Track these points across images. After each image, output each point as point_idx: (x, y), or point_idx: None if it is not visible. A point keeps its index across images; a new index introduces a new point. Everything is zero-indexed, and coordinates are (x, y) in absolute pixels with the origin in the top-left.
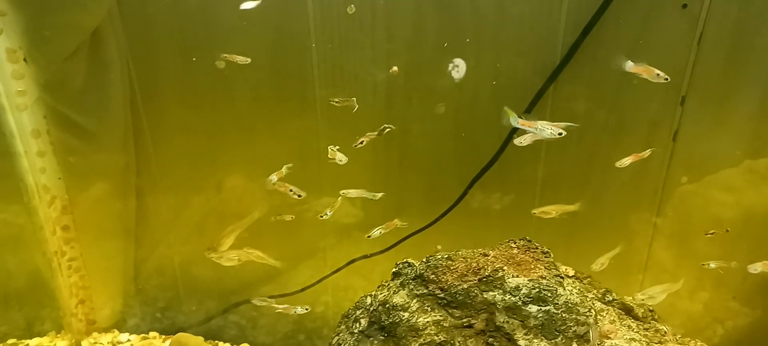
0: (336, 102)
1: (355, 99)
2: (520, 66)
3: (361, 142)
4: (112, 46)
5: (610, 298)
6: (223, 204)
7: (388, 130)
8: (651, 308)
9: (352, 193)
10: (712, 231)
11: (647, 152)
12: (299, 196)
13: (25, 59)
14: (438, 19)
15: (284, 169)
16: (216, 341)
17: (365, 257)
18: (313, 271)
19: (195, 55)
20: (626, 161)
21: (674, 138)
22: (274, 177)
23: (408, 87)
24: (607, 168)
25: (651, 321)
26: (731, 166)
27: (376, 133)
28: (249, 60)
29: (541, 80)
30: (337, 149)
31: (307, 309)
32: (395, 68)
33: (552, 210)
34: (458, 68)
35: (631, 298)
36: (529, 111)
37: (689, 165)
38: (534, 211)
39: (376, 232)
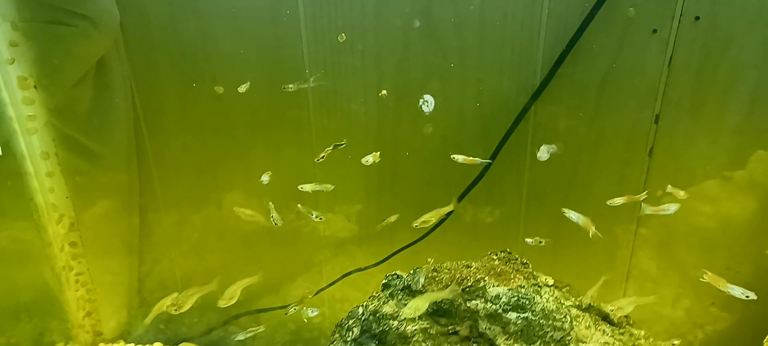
0: (326, 153)
1: (344, 142)
2: (503, 88)
3: (322, 157)
4: (116, 73)
5: (587, 305)
6: (222, 222)
7: (342, 146)
8: (626, 315)
9: (307, 187)
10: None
11: (643, 196)
12: (277, 224)
13: (35, 86)
14: (424, 45)
15: (265, 178)
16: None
17: (359, 270)
18: (310, 284)
19: (195, 80)
20: (618, 201)
21: (650, 154)
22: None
23: (398, 109)
24: (588, 182)
25: (626, 326)
26: (707, 179)
27: (331, 147)
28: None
29: (523, 101)
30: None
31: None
32: (384, 92)
33: (430, 217)
34: (427, 103)
35: (610, 307)
36: (511, 130)
37: (665, 179)
38: (414, 223)
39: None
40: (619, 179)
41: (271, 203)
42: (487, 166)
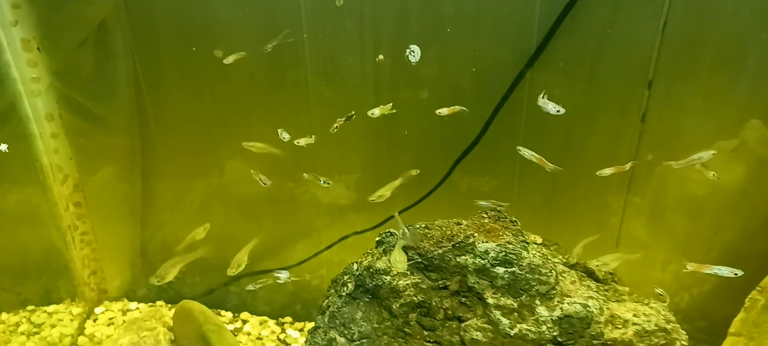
0: (335, 128)
1: (352, 113)
2: (499, 54)
3: (335, 127)
4: (118, 38)
5: (574, 262)
6: (223, 186)
7: (352, 117)
8: (612, 272)
9: (302, 141)
10: None
11: (628, 165)
12: (265, 184)
13: (38, 48)
14: (421, 11)
15: (284, 135)
16: (218, 310)
17: (356, 233)
18: (309, 248)
19: (194, 45)
20: (607, 171)
21: (643, 119)
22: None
23: (394, 74)
24: (581, 148)
25: (611, 283)
26: (699, 145)
27: (343, 119)
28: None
29: (519, 67)
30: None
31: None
32: (381, 56)
33: (386, 191)
34: (414, 53)
35: (595, 262)
36: (507, 96)
37: (657, 144)
38: (370, 198)
39: None
40: (612, 145)
41: (252, 170)
42: (482, 132)
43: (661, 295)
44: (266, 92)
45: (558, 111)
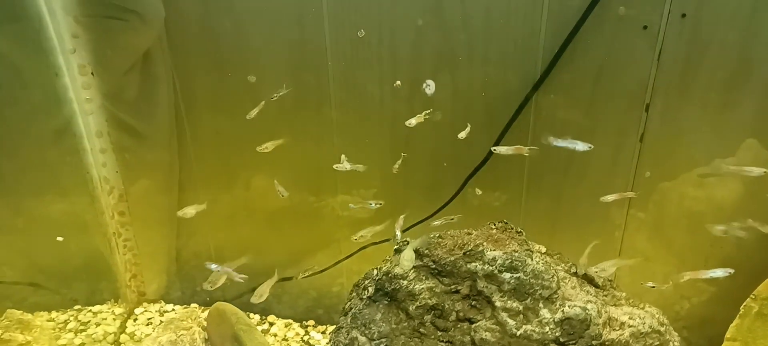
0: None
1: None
2: (507, 79)
3: (411, 123)
4: (160, 64)
5: (575, 269)
6: (249, 200)
7: (429, 114)
8: (610, 279)
9: (342, 167)
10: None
11: (631, 194)
12: (283, 195)
13: (92, 73)
14: (435, 40)
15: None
16: (247, 313)
17: (375, 244)
18: (330, 258)
19: (229, 70)
20: (610, 198)
21: (641, 139)
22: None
23: (410, 98)
24: (584, 166)
25: (610, 289)
26: (695, 164)
27: (423, 116)
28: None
29: (525, 91)
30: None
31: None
32: (398, 82)
33: (368, 233)
34: (429, 86)
35: (594, 269)
36: (514, 118)
37: (655, 163)
38: (353, 237)
39: None
40: (612, 163)
41: (275, 181)
42: (492, 151)
43: (653, 286)
44: (292, 114)
45: (572, 146)
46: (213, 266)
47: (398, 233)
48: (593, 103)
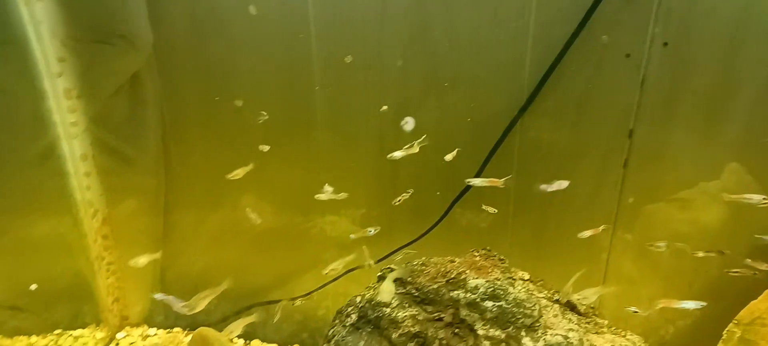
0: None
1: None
2: (492, 104)
3: (398, 201)
4: (148, 88)
5: (557, 297)
6: (236, 222)
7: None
8: (593, 306)
9: (324, 196)
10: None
11: (601, 228)
12: (256, 221)
13: (78, 96)
14: (421, 65)
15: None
16: (231, 337)
17: (361, 267)
18: (316, 280)
19: (217, 95)
20: (586, 234)
21: (625, 165)
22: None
23: (397, 122)
24: (569, 191)
25: (592, 316)
26: (678, 189)
27: (406, 149)
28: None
29: (511, 116)
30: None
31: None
32: (385, 107)
33: (339, 265)
34: (408, 124)
35: (576, 296)
36: (499, 144)
37: (638, 188)
38: (324, 271)
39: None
40: (596, 189)
41: (247, 209)
42: (477, 175)
43: (635, 311)
44: (279, 138)
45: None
46: (158, 296)
47: (369, 261)
48: (578, 129)
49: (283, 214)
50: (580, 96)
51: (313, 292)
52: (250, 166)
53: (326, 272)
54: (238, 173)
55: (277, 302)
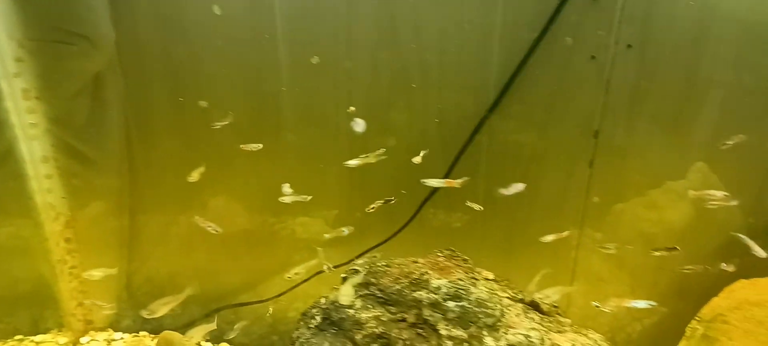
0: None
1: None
2: (460, 105)
3: (372, 208)
4: (111, 88)
5: (521, 296)
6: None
7: (391, 201)
8: (556, 305)
9: (287, 199)
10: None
11: (565, 233)
12: (216, 231)
13: (37, 97)
14: (389, 67)
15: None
16: (198, 342)
17: (331, 269)
18: (287, 282)
19: (182, 95)
20: (549, 238)
21: (591, 165)
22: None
23: (368, 124)
24: (537, 191)
25: (555, 315)
26: (643, 188)
27: (382, 201)
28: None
29: (479, 117)
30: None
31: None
32: (352, 108)
33: (302, 270)
34: (358, 124)
35: (538, 295)
36: (468, 144)
37: (604, 188)
38: (287, 275)
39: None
40: (563, 188)
41: (196, 217)
42: (446, 176)
43: (599, 306)
44: (248, 138)
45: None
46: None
47: (327, 265)
48: (545, 130)
49: (253, 216)
50: (547, 97)
51: (278, 296)
52: (202, 168)
53: (289, 275)
54: (194, 176)
55: (246, 304)
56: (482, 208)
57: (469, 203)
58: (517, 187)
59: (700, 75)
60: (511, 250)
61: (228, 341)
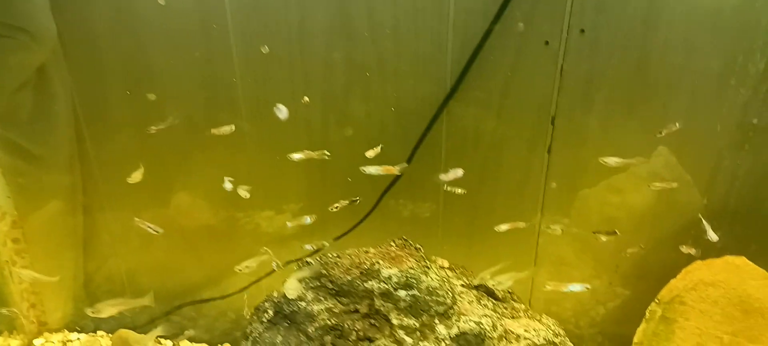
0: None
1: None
2: (418, 93)
3: (336, 207)
4: (56, 81)
5: (476, 283)
6: (164, 219)
7: (356, 201)
8: (510, 291)
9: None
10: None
11: (522, 224)
12: (156, 232)
13: None
14: (344, 56)
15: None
16: (158, 339)
17: (294, 261)
18: (252, 276)
19: (130, 88)
20: (504, 227)
21: (549, 151)
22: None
23: (325, 115)
24: (497, 178)
25: (510, 301)
26: (600, 173)
27: (347, 202)
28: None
29: (436, 105)
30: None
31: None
32: (306, 98)
33: (252, 263)
34: (281, 111)
35: (491, 282)
36: (425, 134)
37: (563, 174)
38: (236, 267)
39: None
40: (523, 176)
41: (136, 218)
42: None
43: (550, 287)
44: (203, 132)
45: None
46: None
47: (275, 262)
48: (503, 117)
49: (215, 210)
50: (504, 84)
51: (246, 288)
52: (142, 169)
53: (239, 268)
54: (135, 177)
55: (209, 300)
56: (465, 191)
57: (449, 188)
58: (456, 172)
59: (652, 60)
60: (473, 238)
61: (189, 339)
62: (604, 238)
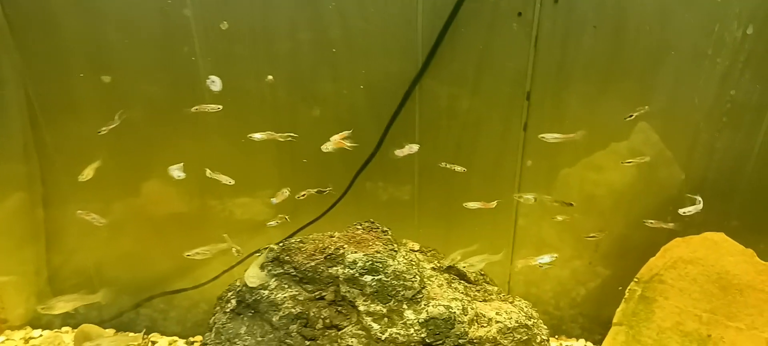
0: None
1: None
2: (388, 70)
3: (303, 195)
4: (5, 67)
5: (448, 266)
6: (132, 209)
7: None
8: (483, 273)
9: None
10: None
11: (493, 203)
12: (100, 223)
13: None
14: (310, 33)
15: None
16: (127, 333)
17: (239, 251)
18: (225, 265)
19: (83, 71)
20: (474, 205)
21: (524, 128)
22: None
23: (292, 94)
24: (472, 156)
25: (483, 283)
26: (579, 150)
27: (314, 191)
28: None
29: (406, 83)
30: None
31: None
32: (270, 77)
33: (205, 250)
34: (214, 83)
35: (462, 264)
36: (399, 111)
37: (539, 151)
38: (187, 253)
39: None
40: (499, 153)
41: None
42: (379, 144)
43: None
44: (166, 116)
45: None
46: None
47: (236, 247)
48: (477, 92)
49: (185, 198)
50: (477, 59)
51: (218, 276)
52: (97, 163)
53: (189, 255)
54: (88, 173)
55: (180, 291)
56: (465, 169)
57: (444, 164)
58: (412, 148)
59: (628, 32)
60: (450, 219)
61: (160, 332)
62: (560, 217)
